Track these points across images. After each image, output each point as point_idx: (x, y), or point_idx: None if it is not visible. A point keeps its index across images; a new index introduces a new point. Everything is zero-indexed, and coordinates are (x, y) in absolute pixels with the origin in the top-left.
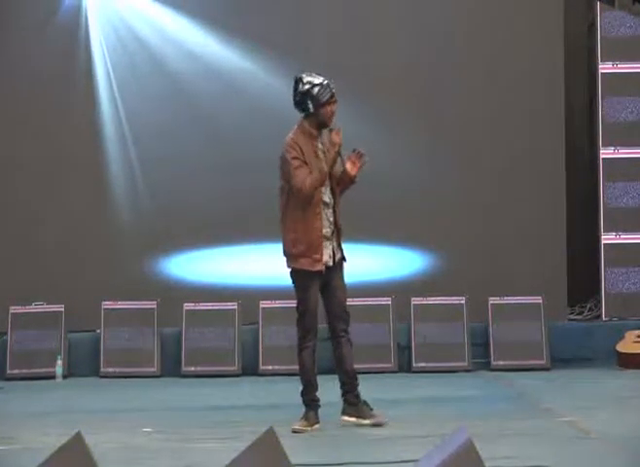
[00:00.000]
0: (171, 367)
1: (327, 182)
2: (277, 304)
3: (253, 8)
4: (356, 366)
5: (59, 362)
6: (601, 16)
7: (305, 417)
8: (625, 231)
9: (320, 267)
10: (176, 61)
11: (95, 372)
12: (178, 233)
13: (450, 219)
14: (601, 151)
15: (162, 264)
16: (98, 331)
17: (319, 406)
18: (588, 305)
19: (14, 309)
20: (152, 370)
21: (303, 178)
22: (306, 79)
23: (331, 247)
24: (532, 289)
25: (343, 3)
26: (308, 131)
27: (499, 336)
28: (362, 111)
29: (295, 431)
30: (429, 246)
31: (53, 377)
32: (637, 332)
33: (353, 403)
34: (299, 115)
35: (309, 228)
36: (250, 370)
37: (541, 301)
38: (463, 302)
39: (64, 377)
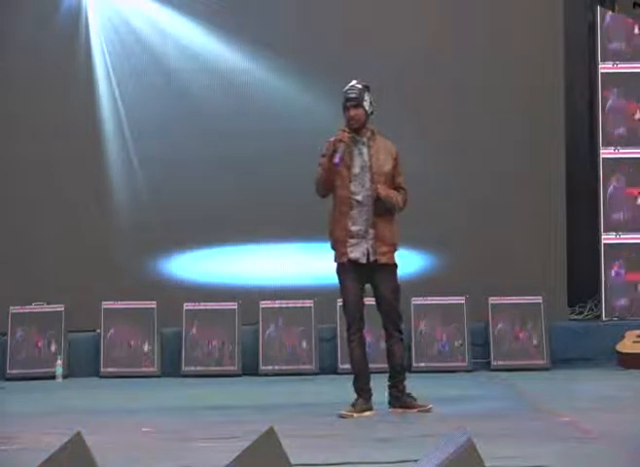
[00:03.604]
0: (171, 367)
1: (361, 181)
2: (277, 304)
3: (252, 7)
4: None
5: (59, 362)
6: (601, 16)
7: (353, 404)
8: (625, 231)
9: (345, 258)
10: (175, 60)
11: (95, 372)
12: (178, 233)
13: (450, 219)
14: (601, 151)
15: (162, 264)
16: (98, 331)
17: (370, 394)
18: (588, 305)
19: (14, 309)
20: (152, 370)
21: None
22: None
23: (365, 246)
24: (532, 289)
25: (344, 2)
26: (351, 134)
27: (499, 336)
28: None
29: (341, 416)
30: (429, 246)
31: (53, 377)
32: (637, 332)
33: (397, 396)
34: (294, 115)
35: (338, 224)
36: (250, 370)
37: (541, 301)
38: (463, 302)
39: (64, 377)
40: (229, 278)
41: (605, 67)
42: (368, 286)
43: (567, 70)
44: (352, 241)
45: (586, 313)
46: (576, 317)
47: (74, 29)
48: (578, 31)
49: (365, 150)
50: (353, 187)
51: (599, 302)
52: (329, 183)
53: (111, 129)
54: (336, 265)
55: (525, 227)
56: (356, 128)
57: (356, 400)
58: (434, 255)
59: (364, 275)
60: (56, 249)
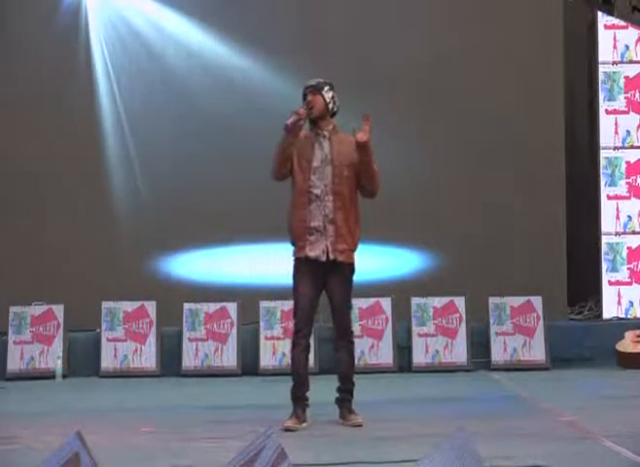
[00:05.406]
0: (171, 367)
1: (320, 175)
2: (277, 303)
3: (250, 5)
4: (356, 365)
5: (59, 362)
6: (601, 16)
7: (296, 415)
8: (625, 231)
9: (303, 254)
10: (175, 58)
11: (95, 372)
12: (178, 233)
13: (450, 219)
14: (601, 150)
15: (162, 264)
16: (98, 330)
17: (307, 405)
18: (588, 305)
19: (14, 309)
20: (152, 369)
21: None
22: None
23: (324, 243)
24: (532, 289)
25: (344, 2)
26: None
27: (499, 335)
28: (359, 110)
29: (287, 429)
30: (429, 246)
31: (53, 376)
32: (637, 332)
33: (340, 405)
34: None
35: (295, 216)
36: (250, 370)
37: (541, 301)
38: (463, 302)
39: (64, 376)
40: (229, 278)
41: (605, 67)
42: None
43: (567, 70)
44: (311, 238)
45: (585, 313)
46: (576, 317)
47: (74, 29)
48: (578, 31)
49: (326, 143)
50: (312, 180)
51: (599, 301)
52: (281, 160)
53: (110, 128)
54: (293, 260)
55: (525, 227)
56: (316, 120)
57: (295, 410)
58: (434, 255)
59: (321, 275)
60: (57, 249)
